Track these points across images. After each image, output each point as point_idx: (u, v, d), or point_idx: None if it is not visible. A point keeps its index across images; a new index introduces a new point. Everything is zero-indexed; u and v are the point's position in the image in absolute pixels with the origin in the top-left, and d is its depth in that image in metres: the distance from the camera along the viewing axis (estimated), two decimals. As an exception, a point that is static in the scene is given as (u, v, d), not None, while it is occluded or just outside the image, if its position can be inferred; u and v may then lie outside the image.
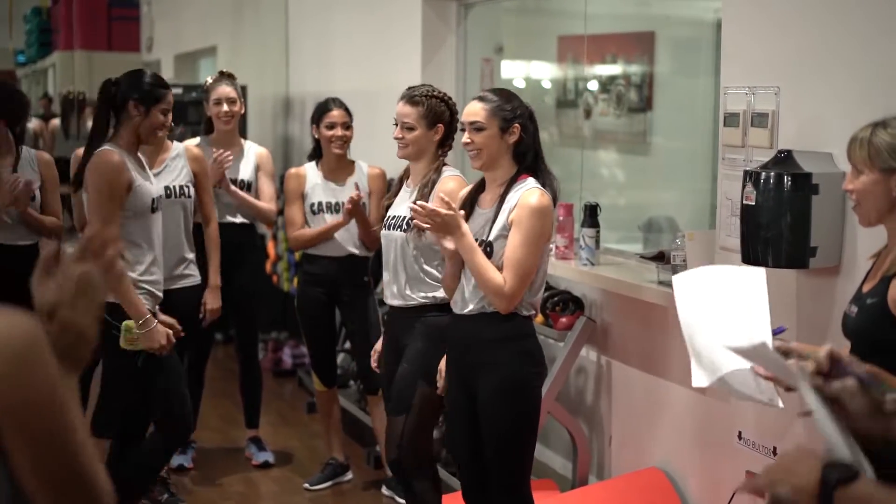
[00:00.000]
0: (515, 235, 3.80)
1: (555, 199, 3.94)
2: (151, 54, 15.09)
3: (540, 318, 5.34)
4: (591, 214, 5.21)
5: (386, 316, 4.70)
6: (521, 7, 7.78)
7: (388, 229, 4.45)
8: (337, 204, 5.52)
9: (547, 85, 7.80)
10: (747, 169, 3.95)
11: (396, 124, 4.45)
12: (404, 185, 4.53)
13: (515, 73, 8.13)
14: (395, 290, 4.44)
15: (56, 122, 12.56)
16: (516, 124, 3.92)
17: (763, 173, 3.84)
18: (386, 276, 4.50)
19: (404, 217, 4.35)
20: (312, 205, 5.59)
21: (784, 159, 3.86)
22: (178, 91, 7.92)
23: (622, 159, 7.29)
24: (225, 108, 5.91)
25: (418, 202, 3.92)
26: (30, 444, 1.59)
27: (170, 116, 4.72)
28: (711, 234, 4.49)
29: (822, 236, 3.79)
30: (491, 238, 3.87)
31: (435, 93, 4.45)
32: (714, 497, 4.50)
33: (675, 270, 4.53)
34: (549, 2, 7.41)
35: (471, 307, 3.93)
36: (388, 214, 4.49)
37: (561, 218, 5.38)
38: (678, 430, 4.78)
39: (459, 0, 6.93)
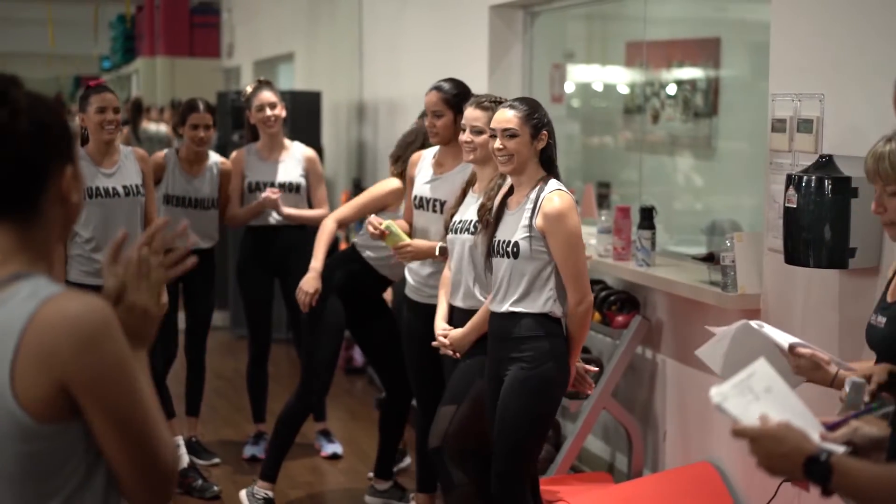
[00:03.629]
0: (556, 249, 4.06)
1: None
2: (231, 60, 15.43)
3: (597, 316, 5.53)
4: (647, 217, 5.38)
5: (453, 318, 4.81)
6: (589, 14, 7.95)
7: (455, 233, 4.60)
8: None
9: (615, 90, 7.96)
10: (790, 173, 4.11)
11: (464, 130, 4.61)
12: (470, 192, 4.67)
13: (584, 78, 8.31)
14: (463, 292, 4.62)
15: (125, 128, 12.91)
16: (545, 131, 4.16)
17: (804, 177, 3.99)
18: (453, 278, 4.67)
19: (471, 220, 4.52)
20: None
21: (825, 164, 4.01)
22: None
23: (687, 163, 7.43)
24: (268, 112, 6.17)
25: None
26: (104, 414, 1.81)
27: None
28: (759, 236, 4.64)
29: (861, 238, 3.94)
30: (517, 238, 4.11)
31: (502, 100, 4.58)
32: (760, 490, 4.65)
33: (724, 272, 4.70)
34: (617, 8, 7.56)
35: (503, 307, 4.17)
36: (454, 220, 4.64)
37: (618, 220, 5.57)
38: (728, 426, 4.92)
39: (526, 8, 7.11)
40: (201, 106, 6.11)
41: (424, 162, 5.12)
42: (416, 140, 5.37)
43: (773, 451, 2.16)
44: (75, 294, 1.83)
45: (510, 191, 4.28)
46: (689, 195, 7.58)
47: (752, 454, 2.20)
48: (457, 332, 4.52)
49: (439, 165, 5.06)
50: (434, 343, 4.60)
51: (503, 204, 4.26)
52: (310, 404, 5.60)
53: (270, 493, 5.52)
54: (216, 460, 6.36)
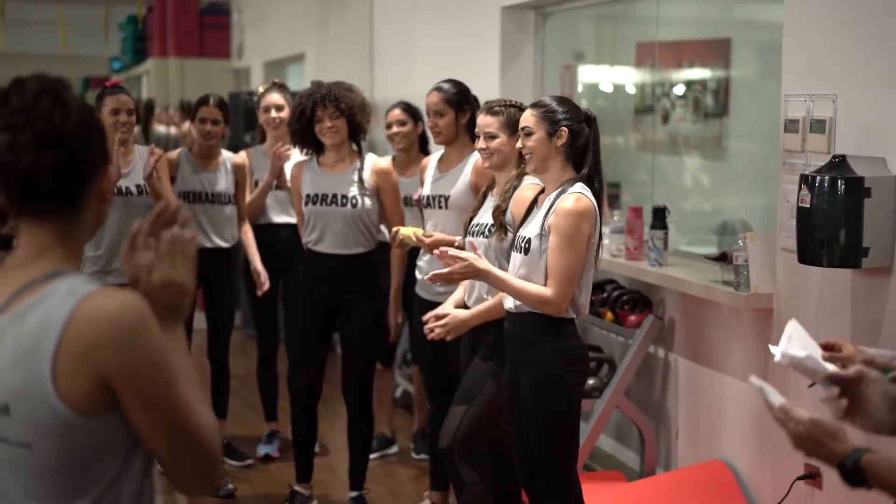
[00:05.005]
0: (553, 241, 4.05)
1: (600, 204, 4.17)
2: (241, 61, 15.46)
3: (609, 315, 5.57)
4: (660, 217, 5.41)
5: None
6: (600, 14, 7.97)
7: (473, 236, 4.66)
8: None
9: (626, 91, 7.98)
10: (803, 173, 4.14)
11: (478, 137, 4.66)
12: (489, 195, 4.73)
13: (594, 78, 8.33)
14: (478, 295, 4.65)
15: (136, 128, 12.96)
16: (563, 127, 4.15)
17: (818, 177, 4.02)
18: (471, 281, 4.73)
19: (487, 224, 4.58)
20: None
21: (838, 164, 4.04)
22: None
23: (698, 164, 7.45)
24: (273, 114, 6.30)
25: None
26: (143, 406, 1.87)
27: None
28: (772, 236, 4.67)
29: (874, 237, 3.97)
30: (531, 235, 4.12)
31: (513, 102, 4.66)
32: (773, 488, 4.68)
33: (737, 271, 4.73)
34: (628, 9, 7.59)
35: (513, 304, 4.19)
36: (472, 223, 4.70)
37: (631, 220, 5.60)
38: (741, 425, 4.97)
39: (537, 9, 7.14)
40: (212, 101, 6.16)
41: (431, 166, 5.27)
42: (301, 104, 5.39)
43: (813, 451, 2.28)
44: (112, 290, 1.88)
45: (543, 189, 4.30)
46: (700, 195, 7.60)
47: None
48: (459, 313, 4.54)
49: (443, 164, 5.20)
50: (426, 316, 4.61)
51: (534, 202, 4.29)
52: (300, 404, 5.61)
53: (298, 489, 5.68)
54: (249, 461, 6.42)
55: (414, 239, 4.92)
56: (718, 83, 6.96)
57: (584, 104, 8.04)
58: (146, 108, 14.17)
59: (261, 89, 6.47)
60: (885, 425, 2.37)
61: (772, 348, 2.94)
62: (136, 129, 10.05)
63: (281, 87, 6.41)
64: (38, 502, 1.90)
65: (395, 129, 6.23)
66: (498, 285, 4.17)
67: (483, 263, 4.16)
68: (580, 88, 8.02)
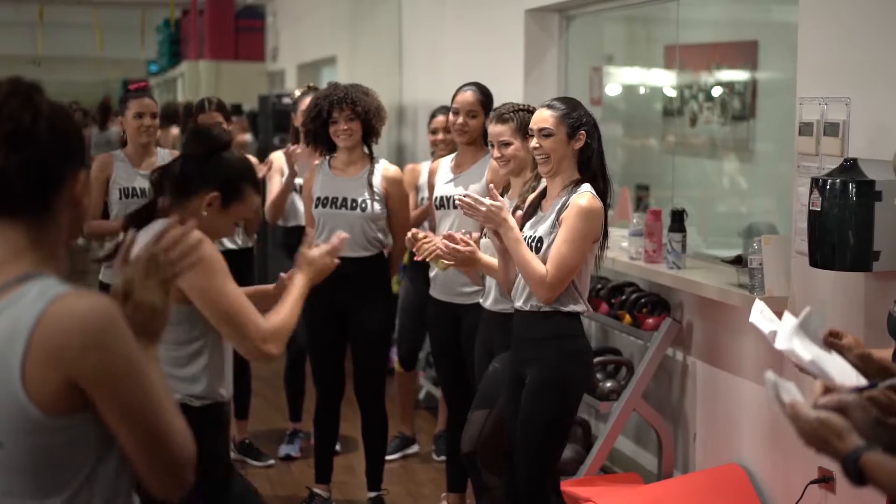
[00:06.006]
0: (561, 232, 4.06)
1: (607, 205, 4.19)
2: (276, 63, 15.57)
3: (627, 318, 5.57)
4: (678, 220, 5.40)
5: (482, 320, 4.86)
6: (629, 17, 7.96)
7: (488, 237, 4.69)
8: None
9: (653, 93, 7.98)
10: (814, 176, 4.14)
11: (492, 146, 4.67)
12: (505, 198, 4.75)
13: (623, 80, 8.33)
14: (495, 296, 4.68)
15: (175, 130, 13.05)
16: (582, 131, 4.16)
17: (829, 181, 4.02)
18: (486, 281, 4.74)
19: None
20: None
21: (850, 167, 4.03)
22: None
23: (726, 166, 7.44)
24: None
25: (465, 193, 4.23)
26: (114, 407, 1.90)
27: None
28: (787, 239, 4.66)
29: (885, 241, 3.96)
30: (542, 234, 4.14)
31: (521, 106, 4.68)
32: (788, 491, 4.68)
33: (751, 274, 4.72)
34: (656, 11, 7.58)
35: (525, 303, 4.20)
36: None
37: (649, 223, 5.60)
38: (756, 428, 4.96)
39: (561, 12, 7.14)
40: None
41: (443, 168, 5.28)
42: (317, 104, 5.39)
43: (821, 449, 2.29)
44: (83, 292, 1.91)
45: (545, 192, 4.31)
46: (727, 198, 7.59)
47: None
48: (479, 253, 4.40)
49: (458, 166, 5.21)
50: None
51: (538, 204, 4.30)
52: (323, 404, 5.67)
53: (317, 490, 5.72)
54: (271, 461, 6.46)
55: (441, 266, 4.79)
56: (746, 85, 6.94)
57: (612, 106, 8.11)
58: (185, 110, 14.21)
59: (297, 93, 6.49)
60: (878, 445, 2.38)
61: (756, 320, 3.02)
62: (176, 130, 10.11)
63: (316, 91, 6.44)
64: (11, 499, 1.93)
65: (441, 136, 6.23)
66: (510, 244, 4.12)
67: (511, 217, 4.15)
68: (609, 90, 8.03)
